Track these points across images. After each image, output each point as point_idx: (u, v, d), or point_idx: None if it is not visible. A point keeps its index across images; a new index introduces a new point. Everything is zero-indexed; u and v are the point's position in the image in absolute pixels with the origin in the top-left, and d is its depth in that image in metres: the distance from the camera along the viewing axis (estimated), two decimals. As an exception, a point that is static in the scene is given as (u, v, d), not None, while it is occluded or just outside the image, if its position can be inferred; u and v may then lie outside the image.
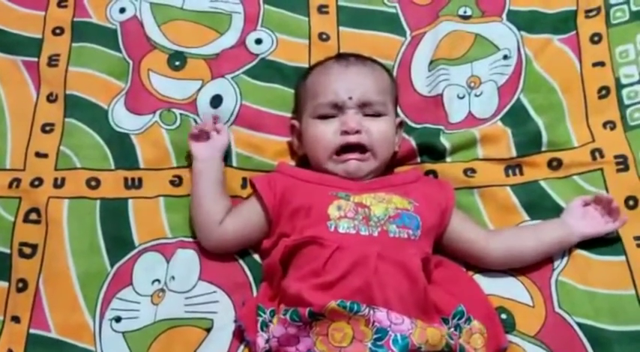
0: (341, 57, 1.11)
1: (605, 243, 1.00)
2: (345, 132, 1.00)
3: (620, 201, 1.03)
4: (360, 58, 1.10)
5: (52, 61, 1.18)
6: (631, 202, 1.03)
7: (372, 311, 0.84)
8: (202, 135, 1.07)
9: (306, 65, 1.19)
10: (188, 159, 1.08)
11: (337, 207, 0.94)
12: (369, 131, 1.01)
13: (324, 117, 1.03)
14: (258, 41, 1.21)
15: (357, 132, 1.00)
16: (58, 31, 1.21)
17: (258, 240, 1.00)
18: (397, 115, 1.11)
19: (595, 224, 1.00)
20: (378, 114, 1.03)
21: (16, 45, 1.19)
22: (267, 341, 0.87)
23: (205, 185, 1.02)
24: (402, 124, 1.10)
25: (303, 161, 1.09)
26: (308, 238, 0.91)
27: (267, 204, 0.98)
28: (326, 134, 1.01)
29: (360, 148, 1.00)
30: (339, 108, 1.02)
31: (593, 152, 1.07)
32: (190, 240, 1.02)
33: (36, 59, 1.18)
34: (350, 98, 1.01)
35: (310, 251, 0.91)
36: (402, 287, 0.88)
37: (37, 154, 1.09)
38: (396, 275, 0.88)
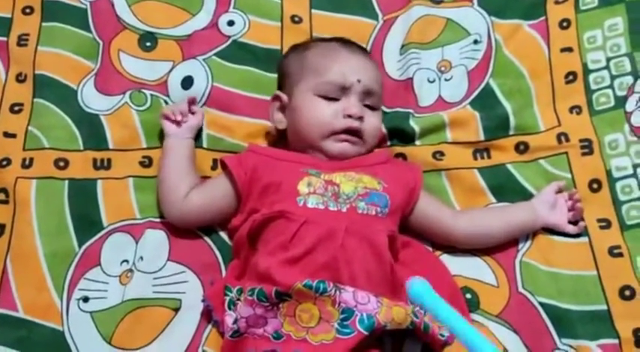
0: (344, 42, 1.10)
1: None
2: (349, 116, 1.00)
3: (584, 184, 1.05)
4: (362, 48, 1.11)
5: (22, 41, 1.16)
6: (595, 185, 1.04)
7: (338, 292, 0.85)
8: (174, 121, 1.05)
9: (279, 47, 1.19)
10: (161, 139, 1.07)
11: (307, 184, 0.94)
12: (367, 122, 1.02)
13: (326, 96, 1.01)
14: (231, 23, 1.21)
15: (359, 118, 1.00)
16: (27, 10, 1.20)
17: (223, 216, 1.00)
18: None
19: (560, 216, 1.02)
20: (374, 107, 1.04)
21: (-15, 24, 1.18)
22: (235, 321, 0.88)
23: (173, 159, 1.02)
24: None
25: (276, 142, 1.09)
26: (276, 212, 0.92)
27: (238, 180, 0.98)
28: (325, 114, 1.01)
29: (356, 134, 1.01)
30: (343, 90, 1.01)
31: (559, 136, 1.09)
32: (159, 220, 1.02)
33: (5, 39, 1.17)
34: (358, 81, 1.01)
35: (278, 225, 0.92)
36: (369, 263, 0.89)
37: (6, 134, 1.08)
38: (363, 250, 0.89)
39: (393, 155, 1.10)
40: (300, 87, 1.04)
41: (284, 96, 1.06)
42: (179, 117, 1.05)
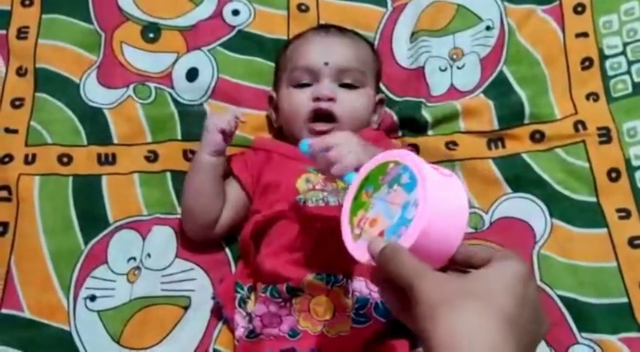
0: (321, 27, 1.09)
1: (586, 215, 0.99)
2: (318, 99, 0.97)
3: (603, 173, 1.01)
4: (340, 28, 1.08)
5: (22, 34, 1.13)
6: (613, 174, 1.01)
7: (350, 281, 0.83)
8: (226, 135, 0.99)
9: (285, 37, 1.16)
10: (165, 134, 1.05)
11: (306, 180, 0.92)
12: (342, 101, 0.98)
13: (298, 84, 1.00)
14: (235, 12, 1.18)
15: (330, 99, 0.97)
16: (27, 2, 1.16)
17: (243, 220, 0.98)
18: (379, 92, 1.09)
19: None
20: (354, 86, 1.00)
21: (-17, 17, 1.15)
22: (250, 320, 0.86)
23: (212, 182, 0.96)
24: (382, 101, 1.08)
25: (280, 134, 1.07)
26: (277, 213, 0.90)
27: (246, 185, 0.96)
28: (300, 101, 0.99)
29: (329, 117, 0.98)
30: (314, 74, 0.99)
31: (575, 124, 1.06)
32: (166, 216, 0.99)
33: (4, 32, 1.14)
34: (326, 64, 0.98)
35: (280, 226, 0.90)
36: None
37: (7, 130, 1.05)
38: None
39: (406, 145, 1.07)
40: (282, 83, 1.03)
41: (274, 95, 1.05)
42: (228, 140, 0.97)
